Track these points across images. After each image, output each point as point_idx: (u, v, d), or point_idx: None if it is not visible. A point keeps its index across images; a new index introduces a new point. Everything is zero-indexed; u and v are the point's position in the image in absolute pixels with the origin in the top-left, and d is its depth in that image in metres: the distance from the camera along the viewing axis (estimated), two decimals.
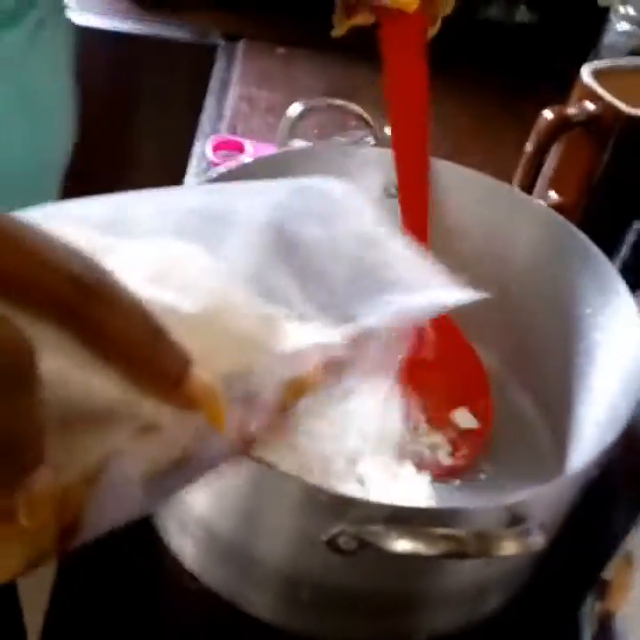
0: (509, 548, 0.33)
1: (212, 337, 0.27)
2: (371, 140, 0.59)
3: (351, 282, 0.33)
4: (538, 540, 0.34)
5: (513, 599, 0.44)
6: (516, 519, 0.36)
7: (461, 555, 0.33)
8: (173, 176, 0.68)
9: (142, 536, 0.45)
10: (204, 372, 0.25)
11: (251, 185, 0.36)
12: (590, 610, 0.44)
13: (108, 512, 0.25)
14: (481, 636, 0.44)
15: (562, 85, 0.63)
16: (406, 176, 0.51)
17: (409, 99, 0.50)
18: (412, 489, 0.48)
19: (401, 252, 0.36)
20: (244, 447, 0.31)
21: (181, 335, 0.26)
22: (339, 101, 0.56)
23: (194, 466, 0.29)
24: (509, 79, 0.86)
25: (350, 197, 0.37)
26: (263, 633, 0.42)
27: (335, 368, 0.31)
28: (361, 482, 0.47)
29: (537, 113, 0.59)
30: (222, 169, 0.65)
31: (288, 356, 0.29)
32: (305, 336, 0.30)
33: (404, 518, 0.34)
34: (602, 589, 0.43)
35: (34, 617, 0.45)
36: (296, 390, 0.31)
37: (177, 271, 0.29)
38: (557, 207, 0.64)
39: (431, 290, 0.34)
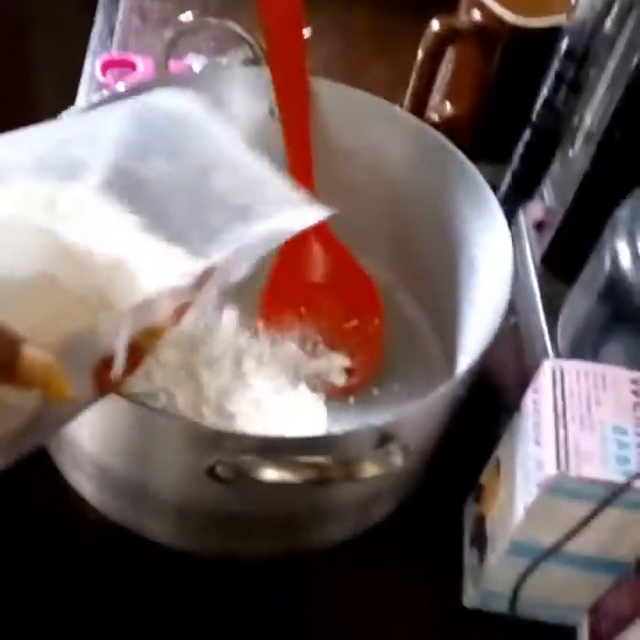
0: (371, 470, 0.35)
1: (51, 301, 0.28)
2: (251, 58, 0.57)
3: (199, 216, 0.33)
4: (397, 460, 0.36)
5: (402, 506, 0.47)
6: (384, 439, 0.38)
7: (326, 480, 0.35)
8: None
9: (43, 469, 0.47)
10: (36, 350, 0.26)
11: (96, 117, 0.36)
12: (470, 511, 0.47)
13: None
14: (372, 540, 0.47)
15: None
16: (283, 96, 0.50)
17: (281, 14, 0.49)
18: (306, 410, 0.50)
19: (255, 174, 0.36)
20: (104, 393, 0.32)
21: (18, 307, 0.26)
22: (213, 20, 0.54)
23: (46, 424, 0.29)
24: None
25: (200, 116, 0.36)
26: (164, 557, 0.45)
27: (184, 308, 0.32)
28: (255, 406, 0.48)
29: None
30: (106, 93, 0.63)
31: (137, 307, 0.30)
32: (153, 282, 0.30)
33: (273, 448, 0.36)
34: (479, 492, 0.46)
35: None
36: (151, 335, 0.32)
37: (13, 232, 0.29)
38: (452, 118, 0.64)
39: (282, 213, 0.35)
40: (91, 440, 0.41)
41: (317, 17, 0.59)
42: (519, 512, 0.38)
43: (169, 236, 0.31)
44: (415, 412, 0.39)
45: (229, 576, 0.45)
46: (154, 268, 0.30)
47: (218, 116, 0.37)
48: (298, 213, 0.35)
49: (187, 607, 0.45)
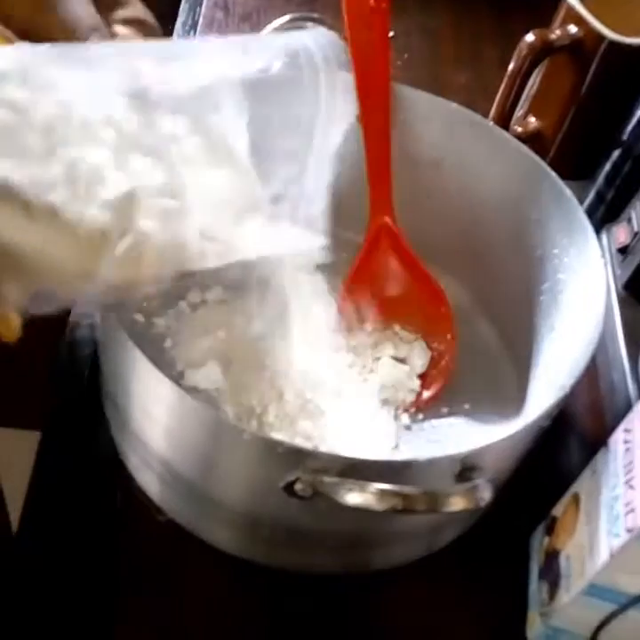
0: (457, 504, 0.34)
1: None
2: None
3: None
4: (486, 496, 0.35)
5: (466, 532, 0.46)
6: (466, 469, 0.37)
7: (410, 511, 0.34)
8: None
9: (113, 469, 0.47)
10: None
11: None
12: (539, 543, 0.46)
13: None
14: (434, 565, 0.46)
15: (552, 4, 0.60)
16: (365, 100, 0.49)
17: (367, 16, 0.48)
18: (377, 424, 0.49)
19: None
20: None
21: None
22: (309, 22, 0.53)
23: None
24: None
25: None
26: (227, 564, 0.44)
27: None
28: (323, 415, 0.48)
29: (522, 28, 0.57)
30: None
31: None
32: None
33: (356, 470, 0.35)
34: (551, 525, 0.45)
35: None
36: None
37: None
38: (536, 132, 0.63)
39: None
40: (161, 439, 0.41)
41: (399, 20, 0.58)
42: (603, 555, 0.36)
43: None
44: (501, 442, 0.38)
45: (289, 588, 0.45)
46: None
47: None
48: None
49: (245, 616, 0.44)
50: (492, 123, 0.52)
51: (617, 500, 0.36)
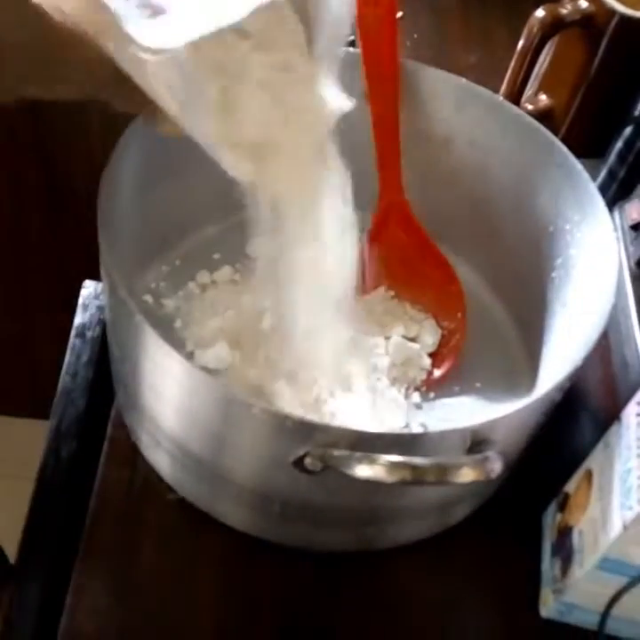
0: (468, 475, 0.34)
1: None
2: None
3: None
4: (496, 467, 0.34)
5: (478, 509, 0.46)
6: (477, 442, 0.37)
7: (420, 482, 0.34)
8: None
9: (123, 448, 0.47)
10: None
11: None
12: (552, 520, 0.45)
13: None
14: (446, 542, 0.46)
15: None
16: (374, 79, 0.49)
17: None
18: (386, 402, 0.49)
19: None
20: None
21: None
22: None
23: None
24: None
25: None
26: (238, 541, 0.44)
27: None
28: (335, 395, 0.47)
29: (532, 8, 0.57)
30: None
31: None
32: None
33: (365, 444, 0.35)
34: (563, 502, 0.44)
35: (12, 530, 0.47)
36: None
37: None
38: (547, 110, 0.62)
39: None
40: (172, 417, 0.41)
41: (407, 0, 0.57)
42: (616, 528, 0.36)
43: None
44: (512, 416, 0.38)
45: (300, 565, 0.45)
46: None
47: None
48: None
49: (256, 593, 0.44)
50: (502, 98, 0.51)
51: (630, 473, 0.36)
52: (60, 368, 0.52)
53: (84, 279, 0.56)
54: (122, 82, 0.32)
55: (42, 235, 1.01)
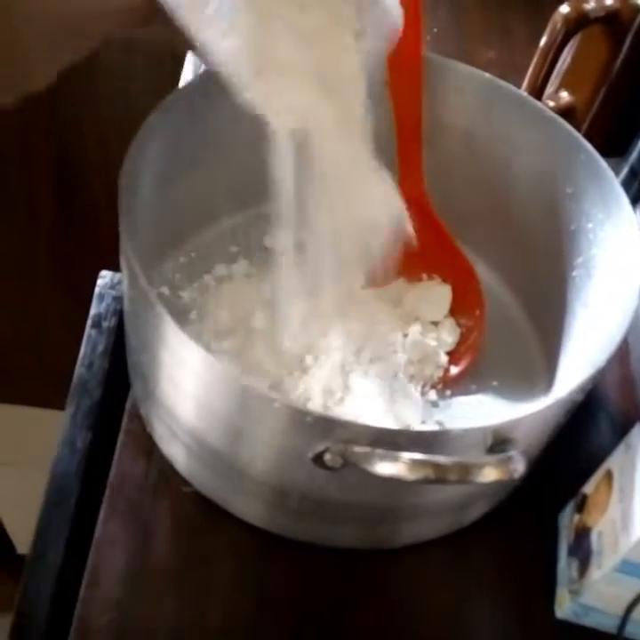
0: (491, 474, 0.34)
1: None
2: None
3: None
4: (520, 467, 0.34)
5: (493, 509, 0.46)
6: (498, 441, 0.36)
7: (442, 481, 0.33)
8: None
9: (138, 440, 0.46)
10: None
11: None
12: (569, 521, 0.45)
13: None
14: (460, 542, 0.46)
15: None
16: (397, 71, 0.48)
17: None
18: (402, 400, 0.48)
19: None
20: None
21: None
22: None
23: None
24: None
25: None
26: (252, 536, 0.44)
27: None
28: (349, 389, 0.47)
29: (553, 4, 0.56)
30: None
31: None
32: None
33: (386, 441, 0.35)
34: (581, 503, 0.44)
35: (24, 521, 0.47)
36: None
37: None
38: (568, 108, 0.62)
39: None
40: (190, 409, 0.41)
41: None
42: (637, 530, 0.36)
43: None
44: (534, 415, 0.37)
45: (313, 561, 0.44)
46: None
47: None
48: None
49: (270, 589, 0.44)
50: (526, 94, 0.51)
51: None
52: (71, 357, 0.51)
53: (93, 271, 0.56)
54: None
55: (53, 226, 1.01)
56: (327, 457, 0.36)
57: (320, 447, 0.36)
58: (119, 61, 0.85)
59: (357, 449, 0.35)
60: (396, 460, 0.33)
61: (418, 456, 0.33)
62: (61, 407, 0.49)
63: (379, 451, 0.34)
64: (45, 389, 1.16)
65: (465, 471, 0.33)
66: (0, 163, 0.96)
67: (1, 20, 0.30)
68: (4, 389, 1.22)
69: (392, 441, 0.35)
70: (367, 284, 0.50)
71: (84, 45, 0.34)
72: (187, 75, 0.64)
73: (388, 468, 0.34)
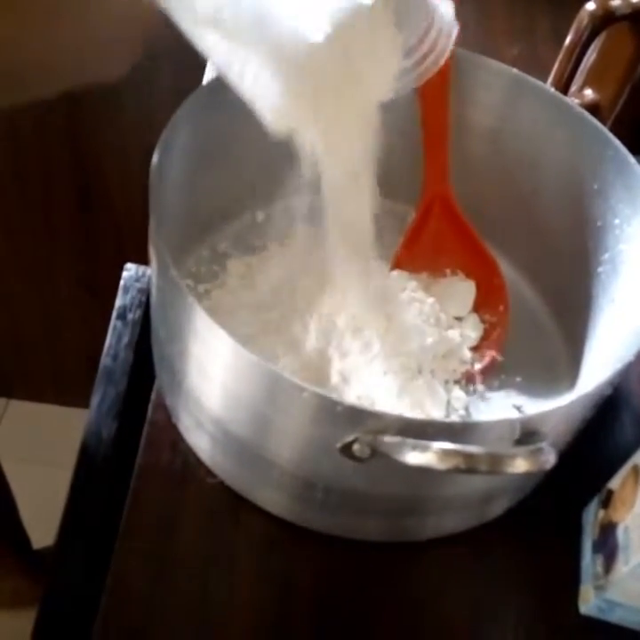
0: (521, 466, 0.34)
1: None
2: None
3: None
4: (551, 459, 0.34)
5: (518, 503, 0.46)
6: (526, 434, 0.36)
7: (472, 471, 0.33)
8: None
9: (164, 431, 0.47)
10: None
11: None
12: (593, 516, 0.45)
13: None
14: (483, 536, 0.45)
15: None
16: None
17: None
18: (428, 397, 0.48)
19: None
20: None
21: None
22: None
23: None
24: None
25: None
26: (277, 528, 0.44)
27: None
28: (375, 383, 0.47)
29: (577, 1, 0.56)
30: None
31: None
32: None
33: (417, 430, 0.35)
34: (607, 498, 0.44)
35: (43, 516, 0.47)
36: None
37: None
38: (593, 104, 0.61)
39: None
40: (217, 398, 0.41)
41: None
42: None
43: None
44: (563, 408, 0.37)
45: (337, 553, 0.44)
46: None
47: None
48: None
49: (294, 581, 0.44)
50: (553, 89, 0.51)
51: None
52: (91, 356, 0.52)
53: (113, 271, 0.56)
54: None
55: (71, 223, 1.02)
56: (356, 447, 0.36)
57: (349, 437, 0.36)
58: (142, 66, 0.86)
59: (387, 439, 0.35)
60: (426, 449, 0.33)
61: (449, 446, 0.33)
62: (81, 405, 0.49)
63: (409, 440, 0.34)
64: (65, 388, 1.17)
65: (496, 461, 0.33)
66: (21, 165, 0.97)
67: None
68: (24, 387, 1.23)
69: (421, 431, 0.35)
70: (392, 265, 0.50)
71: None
72: (210, 70, 0.64)
73: (418, 457, 0.34)
